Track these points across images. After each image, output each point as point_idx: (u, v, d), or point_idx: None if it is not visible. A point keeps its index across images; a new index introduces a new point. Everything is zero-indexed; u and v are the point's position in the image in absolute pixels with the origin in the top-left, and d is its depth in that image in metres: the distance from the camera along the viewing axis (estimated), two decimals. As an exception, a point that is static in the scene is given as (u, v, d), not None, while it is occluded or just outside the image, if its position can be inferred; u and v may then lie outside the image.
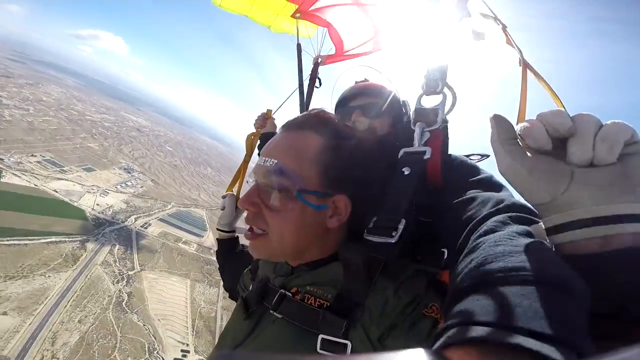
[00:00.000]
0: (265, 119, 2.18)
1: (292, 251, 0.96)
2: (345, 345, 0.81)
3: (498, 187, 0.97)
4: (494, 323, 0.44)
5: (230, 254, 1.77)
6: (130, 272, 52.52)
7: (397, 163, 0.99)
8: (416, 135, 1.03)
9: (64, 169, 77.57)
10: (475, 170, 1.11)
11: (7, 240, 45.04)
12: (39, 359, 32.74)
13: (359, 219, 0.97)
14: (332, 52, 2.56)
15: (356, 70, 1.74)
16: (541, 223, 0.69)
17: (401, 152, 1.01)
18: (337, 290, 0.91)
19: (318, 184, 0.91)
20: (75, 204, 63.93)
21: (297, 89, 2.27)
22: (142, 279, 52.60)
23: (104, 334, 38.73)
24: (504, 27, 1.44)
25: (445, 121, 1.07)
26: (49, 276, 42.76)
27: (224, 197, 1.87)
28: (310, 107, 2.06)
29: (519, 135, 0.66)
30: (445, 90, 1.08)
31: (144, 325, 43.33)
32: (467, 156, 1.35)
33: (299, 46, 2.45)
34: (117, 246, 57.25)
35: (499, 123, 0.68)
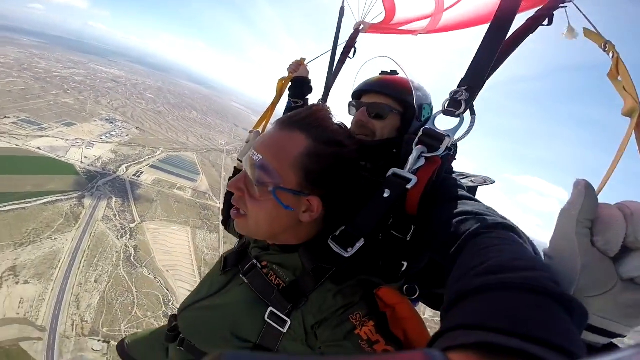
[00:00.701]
0: (299, 64, 2.23)
1: (266, 235, 1.09)
2: (286, 321, 0.97)
3: (487, 208, 0.94)
4: (498, 328, 0.44)
5: None
6: (131, 225, 52.22)
7: (385, 180, 1.00)
8: (411, 158, 0.99)
9: (43, 126, 73.83)
10: (463, 190, 1.09)
11: (5, 206, 43.58)
12: (70, 324, 33.22)
13: (333, 216, 1.06)
14: (379, 20, 2.28)
15: (384, 59, 1.54)
16: None
17: (391, 171, 1.00)
18: (294, 277, 1.05)
19: (295, 184, 0.97)
20: (63, 159, 62.03)
21: (331, 51, 2.19)
22: (145, 231, 52.54)
23: (120, 291, 39.28)
24: (617, 57, 1.19)
25: (449, 149, 1.04)
26: (55, 238, 42.31)
27: (250, 132, 1.88)
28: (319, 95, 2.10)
29: (594, 223, 0.60)
30: (466, 115, 1.00)
31: (155, 278, 43.85)
32: (469, 177, 1.36)
33: (342, 9, 2.29)
34: (114, 199, 56.40)
35: (588, 196, 0.60)
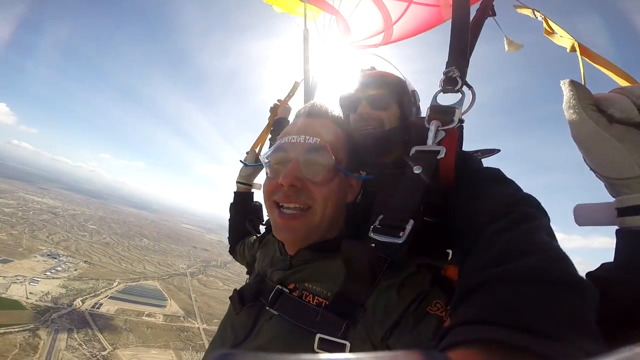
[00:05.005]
0: (277, 107, 2.47)
1: (328, 224, 1.10)
2: (344, 345, 0.86)
3: (506, 182, 1.01)
4: (500, 323, 0.46)
5: (243, 207, 2.00)
6: (103, 353, 53.25)
7: (408, 160, 1.04)
8: (430, 133, 1.06)
9: (-27, 263, 74.38)
10: (482, 166, 1.19)
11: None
12: None
13: (356, 198, 1.20)
14: (339, 40, 2.67)
15: (362, 57, 1.90)
16: (612, 202, 0.71)
17: (413, 149, 1.06)
18: (337, 288, 0.97)
19: (345, 163, 1.14)
20: (4, 295, 62.78)
21: (304, 77, 2.33)
22: (120, 358, 53.42)
23: None
24: (544, 17, 1.59)
25: (461, 120, 1.11)
26: None
27: (247, 152, 2.18)
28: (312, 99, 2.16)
29: (598, 104, 0.67)
30: (464, 89, 1.12)
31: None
32: (475, 152, 1.48)
33: (306, 31, 2.46)
34: (75, 330, 57.20)
35: (578, 87, 0.68)
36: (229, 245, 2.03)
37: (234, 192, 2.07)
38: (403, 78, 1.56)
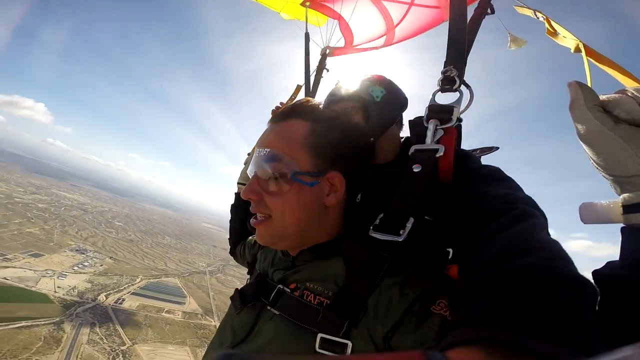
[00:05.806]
0: (279, 109, 2.28)
1: (294, 232, 1.06)
2: (346, 345, 0.86)
3: (505, 181, 1.04)
4: (500, 322, 0.47)
5: (244, 208, 1.88)
6: (122, 347, 55.49)
7: (408, 160, 1.06)
8: (429, 132, 1.08)
9: (8, 257, 78.11)
10: (481, 164, 1.21)
11: (-26, 331, 46.01)
12: None
13: (356, 197, 1.14)
14: (342, 43, 2.70)
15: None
16: (617, 200, 0.72)
17: (412, 149, 1.07)
18: (338, 287, 0.97)
19: (310, 165, 1.03)
20: (34, 289, 65.53)
21: (304, 81, 2.42)
22: (139, 353, 55.57)
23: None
24: (547, 18, 1.60)
25: (459, 119, 1.13)
26: (36, 359, 45.05)
27: (249, 154, 2.12)
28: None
29: (604, 105, 0.69)
30: (462, 88, 1.13)
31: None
32: (473, 150, 1.53)
33: (307, 35, 2.55)
34: (98, 324, 59.69)
35: (583, 88, 0.70)
36: (229, 247, 2.03)
37: (235, 193, 2.05)
38: (362, 81, 1.55)
